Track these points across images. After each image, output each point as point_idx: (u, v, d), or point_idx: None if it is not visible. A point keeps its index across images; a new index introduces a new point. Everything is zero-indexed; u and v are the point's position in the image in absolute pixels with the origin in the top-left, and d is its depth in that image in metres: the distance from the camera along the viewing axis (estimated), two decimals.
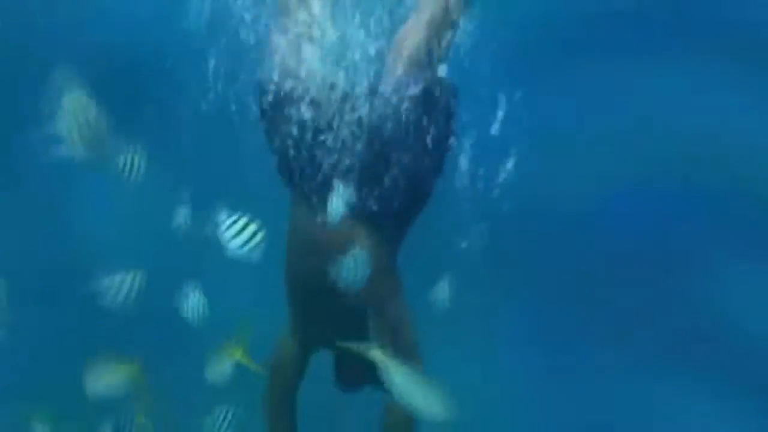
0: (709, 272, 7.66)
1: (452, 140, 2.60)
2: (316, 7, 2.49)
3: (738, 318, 7.19)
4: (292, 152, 2.52)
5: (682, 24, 7.60)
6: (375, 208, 2.50)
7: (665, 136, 8.36)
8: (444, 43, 2.53)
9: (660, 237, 8.31)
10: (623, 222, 8.77)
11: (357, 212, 2.49)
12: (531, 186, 7.90)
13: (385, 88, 2.47)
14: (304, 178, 2.56)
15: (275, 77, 2.51)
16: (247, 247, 2.12)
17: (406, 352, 2.67)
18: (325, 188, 2.46)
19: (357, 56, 2.51)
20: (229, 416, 2.69)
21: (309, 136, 2.50)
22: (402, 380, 2.18)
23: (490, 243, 7.11)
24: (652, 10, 7.57)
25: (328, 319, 2.72)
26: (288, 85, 2.49)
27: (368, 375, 2.80)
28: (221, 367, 2.67)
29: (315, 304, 2.71)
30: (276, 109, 2.54)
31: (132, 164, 2.37)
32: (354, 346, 2.46)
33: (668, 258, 7.93)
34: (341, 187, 2.38)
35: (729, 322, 7.23)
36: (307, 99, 2.44)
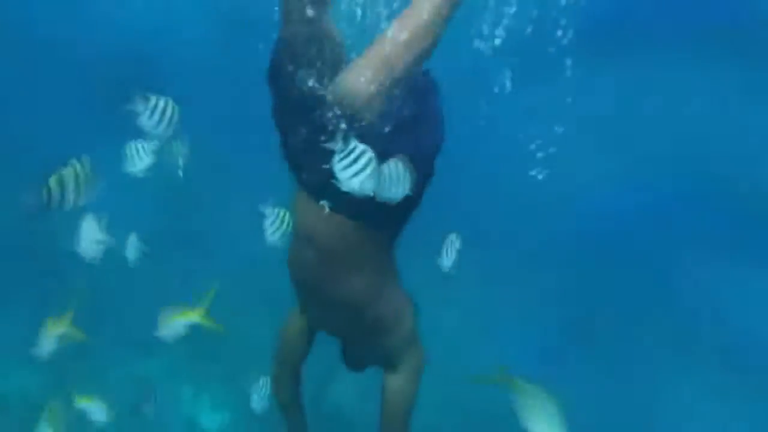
0: (707, 271, 7.69)
1: (440, 140, 2.53)
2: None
3: (736, 317, 7.25)
4: (292, 141, 2.50)
5: (678, 24, 7.47)
6: (368, 207, 2.35)
7: (669, 137, 8.30)
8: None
9: (663, 235, 8.31)
10: (625, 220, 8.78)
11: (352, 211, 2.47)
12: (530, 185, 7.93)
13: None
14: (303, 167, 2.53)
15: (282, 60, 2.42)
16: (359, 178, 2.09)
17: (407, 340, 2.84)
18: (322, 179, 2.38)
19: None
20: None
21: (307, 126, 2.42)
22: (533, 408, 2.35)
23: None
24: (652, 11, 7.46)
25: (326, 309, 2.77)
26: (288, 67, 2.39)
27: (370, 359, 3.00)
28: (173, 327, 2.89)
29: (312, 294, 2.76)
30: (279, 90, 2.49)
31: (163, 111, 2.26)
32: (486, 378, 2.65)
33: (668, 255, 7.96)
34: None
35: (727, 320, 7.31)
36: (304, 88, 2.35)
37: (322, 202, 2.44)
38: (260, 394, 3.01)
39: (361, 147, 2.10)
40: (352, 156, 2.09)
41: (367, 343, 2.86)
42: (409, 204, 2.55)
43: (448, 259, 2.80)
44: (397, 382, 2.84)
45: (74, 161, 2.13)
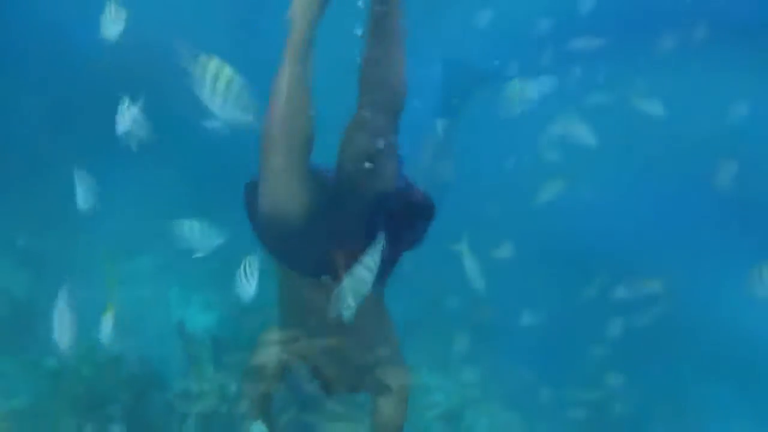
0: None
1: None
2: None
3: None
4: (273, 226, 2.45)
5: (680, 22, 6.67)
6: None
7: (678, 136, 7.69)
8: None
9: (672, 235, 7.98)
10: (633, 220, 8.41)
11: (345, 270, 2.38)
12: (531, 185, 7.40)
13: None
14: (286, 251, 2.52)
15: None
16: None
17: (395, 360, 2.91)
18: (307, 256, 2.45)
19: None
20: None
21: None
22: None
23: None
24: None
25: (328, 353, 2.82)
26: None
27: (355, 385, 2.99)
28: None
29: (317, 343, 2.80)
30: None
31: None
32: None
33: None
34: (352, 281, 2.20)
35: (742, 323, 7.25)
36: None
37: (323, 277, 2.46)
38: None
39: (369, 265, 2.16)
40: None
41: (358, 370, 2.89)
42: (401, 252, 2.65)
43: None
44: (388, 402, 2.89)
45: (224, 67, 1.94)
